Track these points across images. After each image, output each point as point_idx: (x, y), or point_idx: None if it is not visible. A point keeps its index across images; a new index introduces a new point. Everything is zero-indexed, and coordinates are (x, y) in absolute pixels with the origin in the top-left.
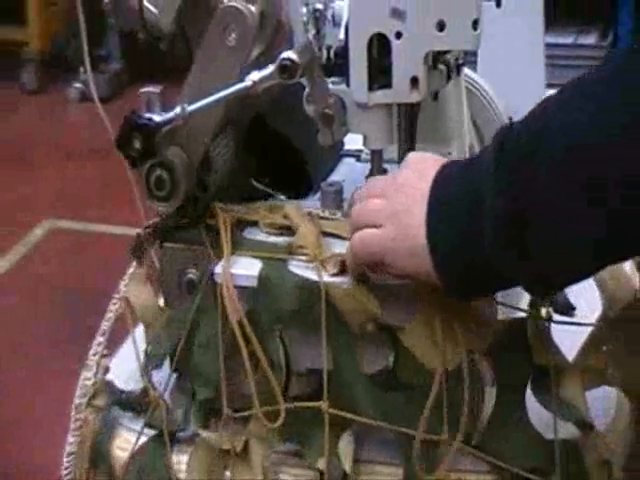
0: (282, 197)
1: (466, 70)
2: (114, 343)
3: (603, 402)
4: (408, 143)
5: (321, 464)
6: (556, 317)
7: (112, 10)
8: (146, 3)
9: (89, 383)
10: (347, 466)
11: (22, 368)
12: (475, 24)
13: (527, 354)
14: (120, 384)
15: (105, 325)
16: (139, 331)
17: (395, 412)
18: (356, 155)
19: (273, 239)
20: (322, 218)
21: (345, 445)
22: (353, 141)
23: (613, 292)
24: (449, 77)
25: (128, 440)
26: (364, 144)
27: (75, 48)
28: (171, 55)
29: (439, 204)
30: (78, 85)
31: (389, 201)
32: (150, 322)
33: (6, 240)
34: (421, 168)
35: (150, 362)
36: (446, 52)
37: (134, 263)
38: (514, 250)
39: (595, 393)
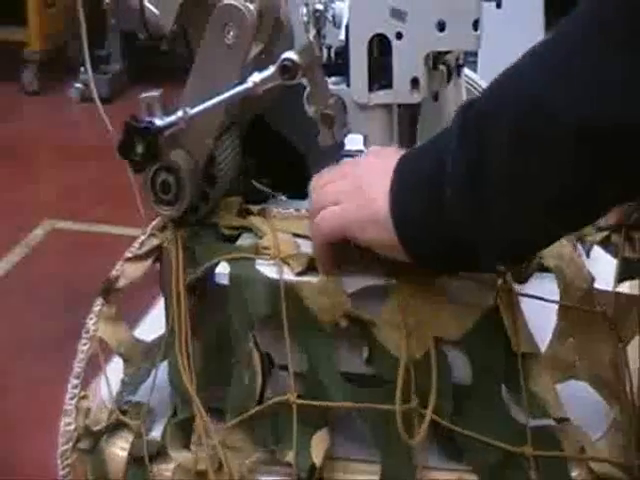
0: (282, 197)
1: (466, 71)
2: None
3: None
4: (408, 143)
5: (290, 457)
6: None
7: (113, 10)
8: (147, 3)
9: (71, 428)
10: (316, 459)
11: (22, 368)
12: (475, 24)
13: (503, 340)
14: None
15: (78, 367)
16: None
17: (372, 409)
18: (357, 155)
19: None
20: (279, 216)
21: (318, 440)
22: (354, 141)
23: (571, 280)
24: (449, 78)
25: (127, 439)
26: (364, 144)
27: (75, 48)
28: (172, 55)
29: (402, 174)
30: (78, 85)
31: (349, 179)
32: (128, 356)
33: (6, 241)
34: (384, 153)
35: (125, 389)
36: (446, 53)
37: (99, 301)
38: (476, 212)
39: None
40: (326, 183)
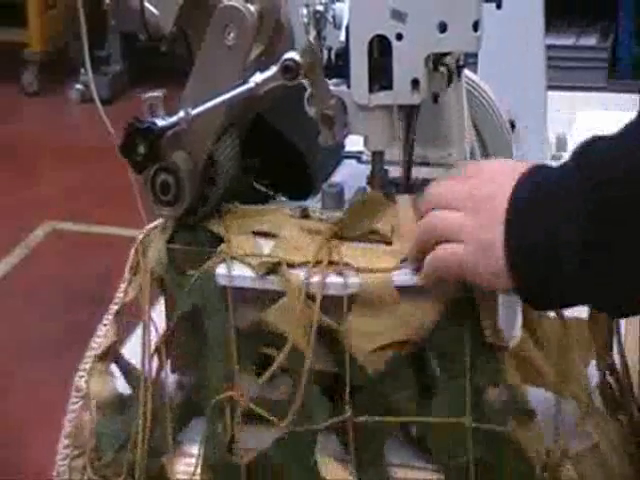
0: (282, 198)
1: (466, 72)
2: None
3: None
4: (408, 145)
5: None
6: None
7: (113, 11)
8: (147, 4)
9: None
10: None
11: (22, 370)
12: (476, 26)
13: (469, 332)
14: None
15: (69, 426)
16: None
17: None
18: (357, 156)
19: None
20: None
21: None
22: (354, 142)
23: None
24: (450, 79)
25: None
26: (365, 145)
27: (76, 49)
28: (172, 56)
29: (518, 227)
30: (79, 86)
31: (467, 217)
32: (113, 411)
33: (7, 242)
34: (498, 179)
35: (103, 444)
36: (447, 54)
37: (89, 359)
38: (596, 274)
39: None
40: (436, 205)
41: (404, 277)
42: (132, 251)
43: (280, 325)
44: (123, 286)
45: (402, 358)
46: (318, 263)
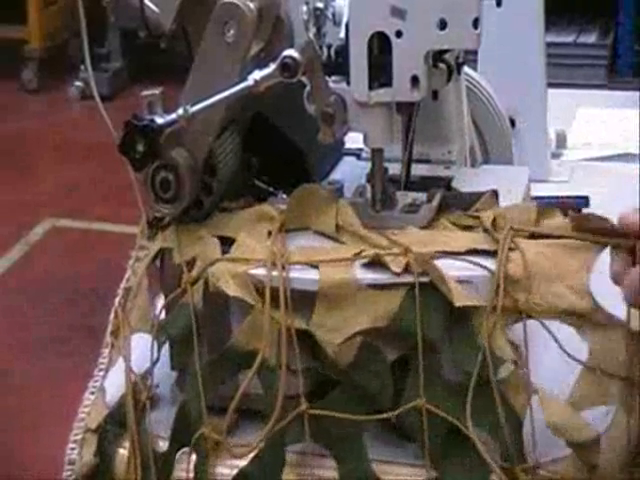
0: (283, 196)
1: (466, 69)
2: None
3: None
4: (408, 142)
5: None
6: None
7: (113, 8)
8: (147, 1)
9: None
10: None
11: (22, 366)
12: (476, 23)
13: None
14: None
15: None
16: None
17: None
18: (357, 154)
19: None
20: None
21: None
22: (354, 140)
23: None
24: (449, 76)
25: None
26: (364, 143)
27: (76, 46)
28: (172, 53)
29: None
30: (79, 83)
31: None
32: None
33: (7, 239)
34: None
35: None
36: (446, 51)
37: (76, 429)
38: None
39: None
40: None
41: (365, 274)
42: (111, 315)
43: (250, 343)
44: (106, 351)
45: (372, 348)
46: (274, 265)
